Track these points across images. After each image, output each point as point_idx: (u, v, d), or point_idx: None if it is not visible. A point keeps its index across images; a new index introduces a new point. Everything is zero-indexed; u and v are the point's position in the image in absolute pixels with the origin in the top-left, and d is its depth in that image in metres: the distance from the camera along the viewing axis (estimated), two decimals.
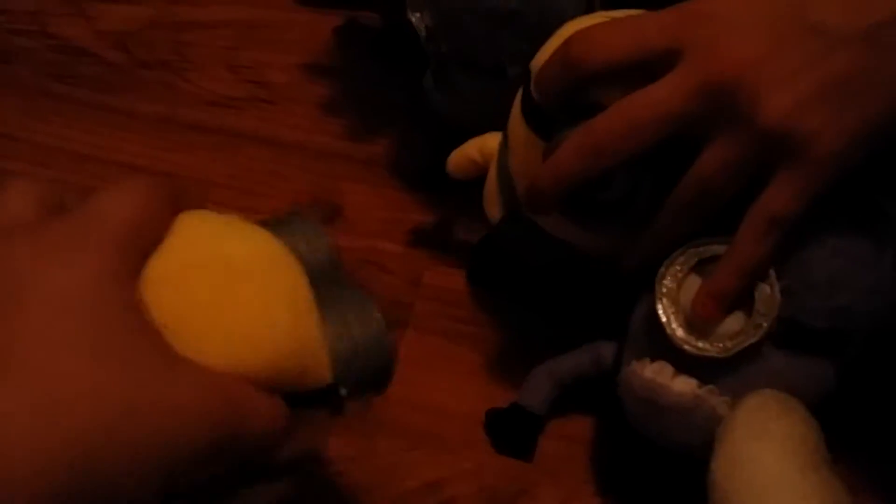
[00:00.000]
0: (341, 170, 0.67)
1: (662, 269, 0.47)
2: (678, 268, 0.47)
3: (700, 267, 0.47)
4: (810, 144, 0.43)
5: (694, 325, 0.46)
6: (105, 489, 0.31)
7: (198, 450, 0.33)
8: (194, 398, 0.33)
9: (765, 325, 0.45)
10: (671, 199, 0.47)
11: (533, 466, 0.54)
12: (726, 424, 0.44)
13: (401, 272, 0.62)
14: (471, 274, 0.62)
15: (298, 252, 0.40)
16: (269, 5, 0.77)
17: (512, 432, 0.54)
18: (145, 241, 0.36)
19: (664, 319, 0.46)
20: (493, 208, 0.56)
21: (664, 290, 0.47)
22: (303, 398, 0.38)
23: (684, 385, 0.46)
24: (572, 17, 0.51)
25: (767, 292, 0.45)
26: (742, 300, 0.46)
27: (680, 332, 0.46)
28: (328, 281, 0.40)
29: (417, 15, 0.60)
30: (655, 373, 0.46)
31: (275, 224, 0.41)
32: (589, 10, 0.53)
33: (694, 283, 0.47)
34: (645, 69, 0.46)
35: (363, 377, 0.39)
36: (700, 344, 0.46)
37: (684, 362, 0.46)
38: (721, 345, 0.45)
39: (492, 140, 0.56)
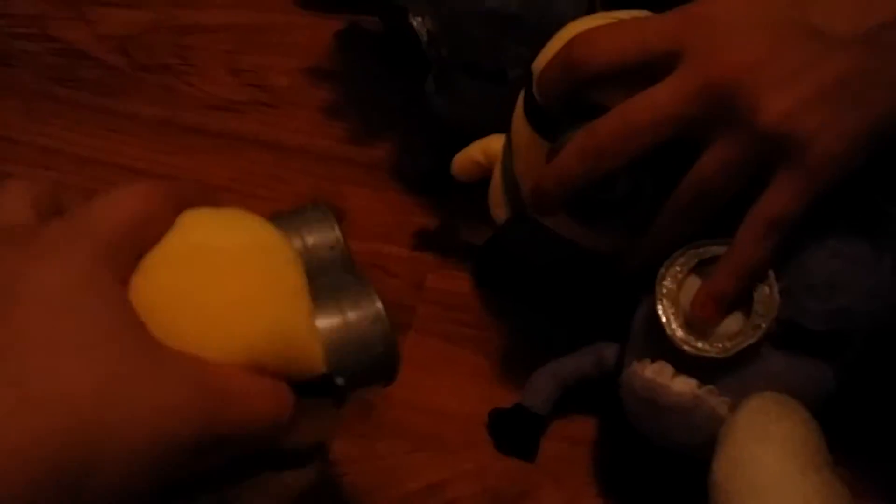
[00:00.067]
0: (343, 173, 0.67)
1: (662, 270, 0.47)
2: (678, 269, 0.47)
3: (700, 268, 0.47)
4: (809, 146, 0.43)
5: (693, 326, 0.46)
6: (94, 485, 0.31)
7: (186, 443, 0.33)
8: (179, 393, 0.33)
9: (764, 325, 0.45)
10: (671, 200, 0.47)
11: (535, 468, 0.54)
12: (727, 426, 0.44)
13: (403, 275, 0.62)
14: (477, 276, 0.62)
15: (304, 242, 0.40)
16: (270, 9, 0.77)
17: (515, 433, 0.54)
18: (141, 241, 0.36)
19: (664, 320, 0.46)
20: (499, 210, 0.56)
21: (664, 290, 0.47)
22: (304, 388, 0.38)
23: (684, 385, 0.46)
24: (573, 19, 0.52)
25: (766, 293, 0.46)
26: (741, 301, 0.46)
27: (680, 333, 0.46)
28: (334, 272, 0.40)
29: (419, 19, 0.60)
30: (655, 373, 0.46)
31: (285, 215, 0.41)
32: (590, 11, 0.53)
33: (694, 283, 0.47)
34: (646, 71, 0.46)
35: (361, 367, 0.39)
36: (699, 344, 0.46)
37: (684, 363, 0.46)
38: (720, 345, 0.46)
39: (495, 142, 0.56)
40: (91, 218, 0.35)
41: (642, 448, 0.49)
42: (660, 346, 0.47)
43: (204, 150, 0.69)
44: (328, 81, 0.72)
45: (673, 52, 0.46)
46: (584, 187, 0.47)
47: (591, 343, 0.54)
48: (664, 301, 0.47)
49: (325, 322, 0.38)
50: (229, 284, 0.36)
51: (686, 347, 0.46)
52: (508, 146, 0.54)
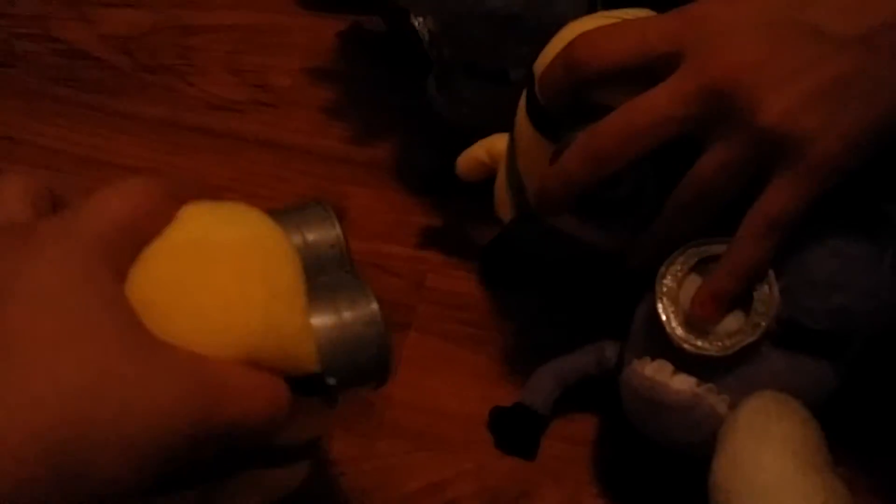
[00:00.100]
0: (344, 173, 0.67)
1: (663, 269, 0.47)
2: (678, 267, 0.47)
3: (700, 266, 0.47)
4: (808, 146, 0.43)
5: (693, 324, 0.46)
6: (90, 480, 0.32)
7: (182, 438, 0.33)
8: (175, 389, 0.33)
9: (763, 324, 0.45)
10: (671, 199, 0.47)
11: (535, 468, 0.54)
12: (727, 426, 0.44)
13: (404, 275, 0.62)
14: (484, 275, 0.62)
15: (304, 239, 0.40)
16: (272, 9, 0.77)
17: (515, 431, 0.54)
18: (138, 237, 0.36)
19: (664, 318, 0.46)
20: (504, 209, 0.56)
21: (664, 289, 0.47)
22: (297, 385, 0.37)
23: (683, 383, 0.46)
24: (574, 19, 0.52)
25: (766, 292, 0.46)
26: (742, 299, 0.46)
27: (679, 331, 0.46)
28: (333, 270, 0.40)
29: (420, 19, 0.60)
30: (655, 371, 0.46)
31: (287, 212, 0.41)
32: (591, 11, 0.53)
33: (694, 282, 0.47)
34: (648, 71, 0.46)
35: (354, 367, 0.39)
36: (699, 343, 0.46)
37: (684, 361, 0.46)
38: (720, 343, 0.46)
39: (499, 141, 0.56)
40: (88, 214, 0.35)
41: (642, 448, 0.49)
42: (660, 344, 0.47)
43: (205, 150, 0.69)
44: (329, 82, 0.72)
45: (673, 52, 0.46)
46: (588, 188, 0.47)
47: (593, 342, 0.54)
48: (664, 299, 0.47)
49: (320, 320, 0.38)
50: (224, 279, 0.36)
51: (686, 346, 0.46)
52: (512, 146, 0.54)
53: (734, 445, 0.43)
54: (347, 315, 0.39)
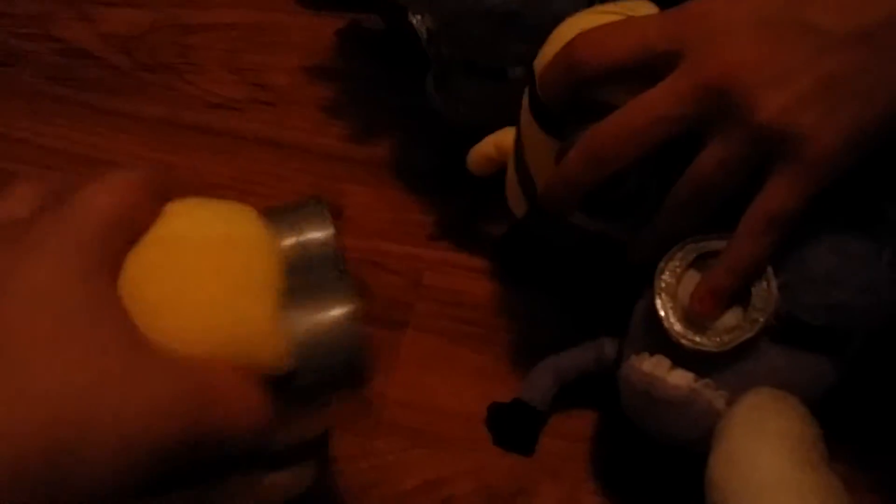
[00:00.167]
0: (343, 171, 0.67)
1: (661, 265, 0.47)
2: (677, 263, 0.47)
3: (699, 262, 0.47)
4: (806, 143, 0.43)
5: (691, 320, 0.46)
6: (83, 479, 0.32)
7: (171, 442, 0.33)
8: (165, 392, 0.34)
9: (761, 320, 0.45)
10: (670, 196, 0.47)
11: (533, 465, 0.54)
12: (723, 423, 0.44)
13: (402, 272, 0.62)
14: (501, 265, 0.62)
15: (298, 237, 0.41)
16: (271, 8, 0.77)
17: (513, 427, 0.54)
18: (127, 232, 0.36)
19: (662, 314, 0.46)
20: (516, 203, 0.56)
21: (663, 284, 0.47)
22: (274, 387, 0.38)
23: (681, 379, 0.46)
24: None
25: (764, 288, 0.45)
26: (740, 295, 0.46)
27: (678, 327, 0.46)
28: (322, 269, 0.40)
29: (418, 17, 0.60)
30: (653, 366, 0.46)
31: (283, 209, 0.42)
32: (589, 6, 0.53)
33: (692, 278, 0.47)
34: (649, 69, 0.46)
35: (329, 369, 0.39)
36: (697, 338, 0.46)
37: (682, 356, 0.46)
38: (718, 339, 0.45)
39: (506, 136, 0.57)
40: (78, 210, 0.35)
41: (640, 444, 0.49)
42: (658, 339, 0.47)
43: (204, 148, 0.69)
44: (328, 80, 0.72)
45: (672, 51, 0.46)
46: (593, 187, 0.48)
47: (593, 339, 0.54)
48: (663, 295, 0.47)
49: (294, 320, 0.38)
50: (195, 276, 0.37)
51: (684, 341, 0.46)
52: (519, 141, 0.54)
53: (731, 442, 0.43)
54: (323, 316, 0.38)
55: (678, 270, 0.47)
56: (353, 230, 0.64)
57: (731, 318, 0.46)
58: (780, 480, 0.41)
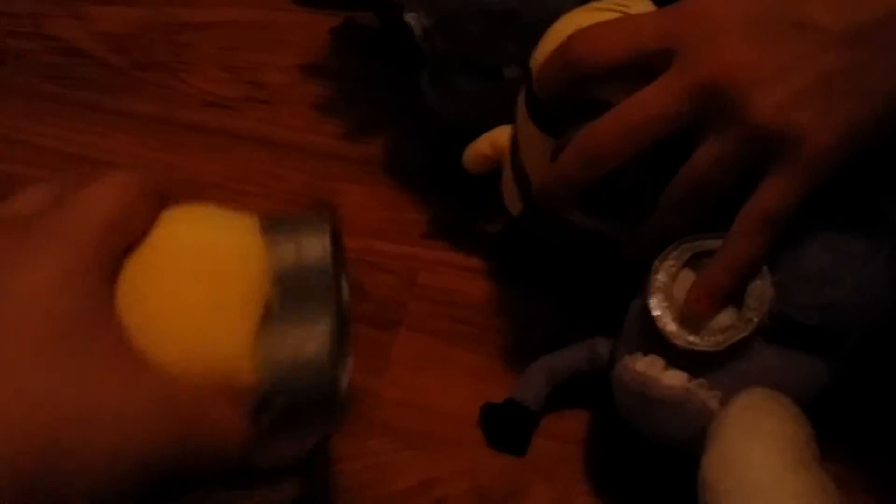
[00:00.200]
0: (337, 170, 0.67)
1: (656, 264, 0.47)
2: (671, 262, 0.47)
3: (693, 262, 0.47)
4: (801, 142, 0.43)
5: (686, 320, 0.46)
6: (77, 482, 0.32)
7: (155, 456, 0.34)
8: (153, 405, 0.34)
9: (756, 319, 0.45)
10: (664, 195, 0.47)
11: (526, 466, 0.53)
12: (716, 423, 0.44)
13: (396, 271, 0.62)
14: (499, 263, 0.61)
15: (296, 249, 0.40)
16: (265, 6, 0.77)
17: (506, 427, 0.54)
18: (124, 235, 0.37)
19: (657, 313, 0.46)
20: (512, 201, 0.56)
21: (657, 284, 0.47)
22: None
23: (675, 378, 0.46)
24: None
25: (759, 287, 0.45)
26: (734, 294, 0.46)
27: (672, 327, 0.46)
28: (312, 287, 0.40)
29: (413, 15, 0.60)
30: (647, 366, 0.46)
31: (285, 218, 0.41)
32: (585, 2, 0.53)
33: (687, 277, 0.47)
34: (645, 67, 0.46)
35: (301, 396, 0.38)
36: (691, 338, 0.45)
37: (675, 356, 0.46)
38: (712, 339, 0.45)
39: (503, 134, 0.56)
40: (75, 212, 0.35)
41: (634, 445, 0.49)
42: (652, 339, 0.47)
43: (199, 147, 0.69)
44: (323, 78, 0.72)
45: (668, 49, 0.46)
46: (588, 185, 0.47)
47: (586, 339, 0.54)
48: (657, 295, 0.47)
49: (273, 344, 0.38)
50: (178, 294, 0.37)
51: (678, 341, 0.46)
52: (515, 139, 0.54)
53: (724, 442, 0.43)
54: (295, 341, 0.38)
55: (673, 270, 0.47)
56: (347, 229, 0.62)
57: (725, 317, 0.46)
58: (774, 481, 0.41)
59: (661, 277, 0.47)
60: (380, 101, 0.71)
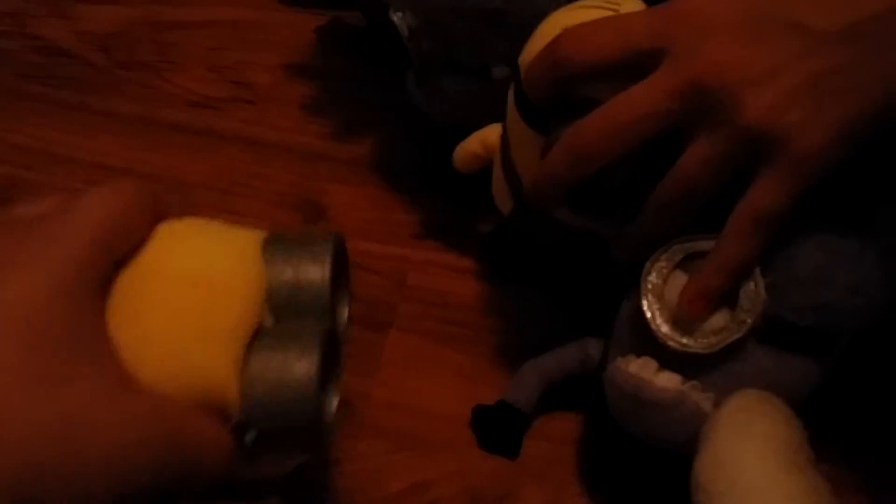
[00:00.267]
0: (324, 170, 0.67)
1: (648, 265, 0.47)
2: (663, 264, 0.47)
3: (685, 263, 0.47)
4: (792, 142, 0.43)
5: (678, 321, 0.46)
6: None
7: (138, 477, 0.34)
8: (133, 425, 0.34)
9: (749, 321, 0.45)
10: (654, 195, 0.47)
11: (518, 468, 0.53)
12: (709, 425, 0.44)
13: (385, 273, 0.61)
14: (492, 263, 0.61)
15: (294, 273, 0.40)
16: (251, 5, 0.77)
17: (498, 429, 0.54)
18: (114, 249, 0.36)
19: (649, 315, 0.46)
20: (503, 200, 0.56)
21: (649, 285, 0.47)
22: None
23: (668, 381, 0.45)
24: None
25: (752, 288, 0.45)
26: (727, 296, 0.46)
27: (664, 328, 0.46)
28: (308, 313, 0.40)
29: (400, 14, 0.60)
30: (639, 368, 0.46)
31: (289, 238, 0.41)
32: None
33: (679, 278, 0.47)
34: (635, 66, 0.46)
35: (283, 422, 0.38)
36: (684, 340, 0.45)
37: (668, 358, 0.46)
38: (705, 341, 0.45)
39: (492, 133, 0.56)
40: (68, 224, 0.35)
41: (626, 447, 0.49)
42: (644, 341, 0.46)
43: (184, 147, 0.69)
44: (309, 78, 0.72)
45: (658, 48, 0.46)
46: (577, 183, 0.47)
47: (577, 339, 0.54)
48: (649, 296, 0.47)
49: (258, 369, 0.38)
50: (166, 314, 0.37)
51: (671, 343, 0.45)
52: (505, 137, 0.54)
53: (717, 444, 0.43)
54: (278, 369, 0.38)
55: (665, 271, 0.47)
56: (335, 230, 0.63)
57: (718, 319, 0.46)
58: (767, 482, 0.41)
59: (653, 279, 0.47)
60: (367, 100, 0.70)
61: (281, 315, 0.39)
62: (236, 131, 0.69)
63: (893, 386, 0.54)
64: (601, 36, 0.47)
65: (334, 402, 0.42)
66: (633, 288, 0.48)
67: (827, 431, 0.45)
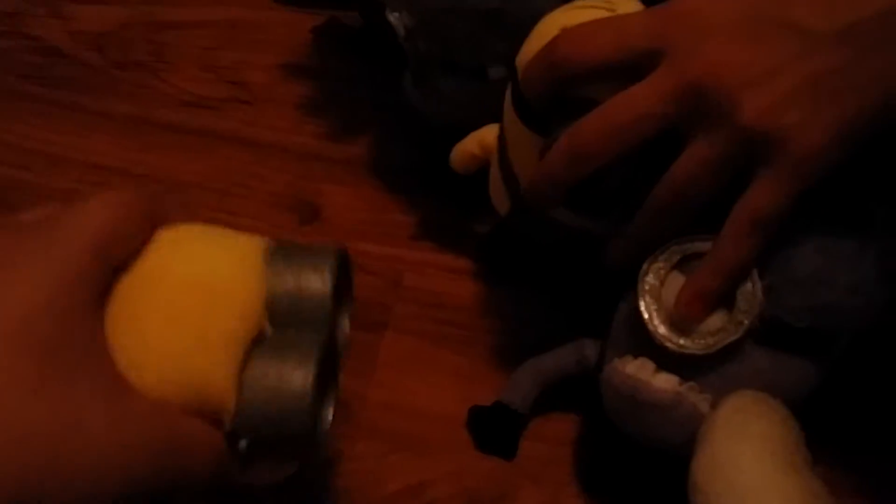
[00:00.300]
0: (320, 170, 0.67)
1: (645, 266, 0.47)
2: (661, 265, 0.47)
3: (683, 264, 0.47)
4: (790, 143, 0.43)
5: (676, 323, 0.46)
6: None
7: (135, 482, 0.34)
8: (136, 437, 0.34)
9: (746, 322, 0.45)
10: (650, 196, 0.47)
11: (514, 469, 0.53)
12: (706, 426, 0.44)
13: (381, 273, 0.61)
14: (488, 264, 0.61)
15: (296, 283, 0.40)
16: (247, 5, 0.77)
17: (495, 430, 0.54)
18: (113, 255, 0.36)
19: (646, 316, 0.46)
20: (500, 201, 0.56)
21: (646, 286, 0.47)
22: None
23: (665, 382, 0.45)
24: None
25: (749, 289, 0.45)
26: (724, 297, 0.45)
27: (662, 330, 0.46)
28: (303, 322, 0.40)
29: (396, 14, 0.59)
30: (637, 369, 0.46)
31: (283, 249, 0.41)
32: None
33: (676, 280, 0.46)
34: (633, 67, 0.46)
35: (277, 430, 0.38)
36: (681, 341, 0.45)
37: (666, 359, 0.46)
38: (702, 342, 0.45)
39: (490, 133, 0.56)
40: (68, 230, 0.35)
41: (623, 448, 0.49)
42: (641, 342, 0.46)
43: (179, 147, 0.69)
44: (305, 78, 0.72)
45: (656, 49, 0.46)
46: (575, 184, 0.47)
47: (573, 340, 0.53)
48: (646, 297, 0.46)
49: (254, 379, 0.38)
50: (164, 321, 0.37)
51: (668, 344, 0.45)
52: (503, 138, 0.54)
53: (713, 445, 0.43)
54: (274, 379, 0.38)
55: (662, 272, 0.47)
56: (331, 230, 0.63)
57: (715, 320, 0.46)
58: (763, 483, 0.41)
59: (650, 280, 0.47)
60: (363, 100, 0.70)
61: (281, 324, 0.39)
62: (232, 131, 0.69)
63: (891, 387, 0.54)
64: (599, 36, 0.47)
65: (330, 413, 0.42)
66: (630, 289, 0.48)
67: (824, 432, 0.45)
